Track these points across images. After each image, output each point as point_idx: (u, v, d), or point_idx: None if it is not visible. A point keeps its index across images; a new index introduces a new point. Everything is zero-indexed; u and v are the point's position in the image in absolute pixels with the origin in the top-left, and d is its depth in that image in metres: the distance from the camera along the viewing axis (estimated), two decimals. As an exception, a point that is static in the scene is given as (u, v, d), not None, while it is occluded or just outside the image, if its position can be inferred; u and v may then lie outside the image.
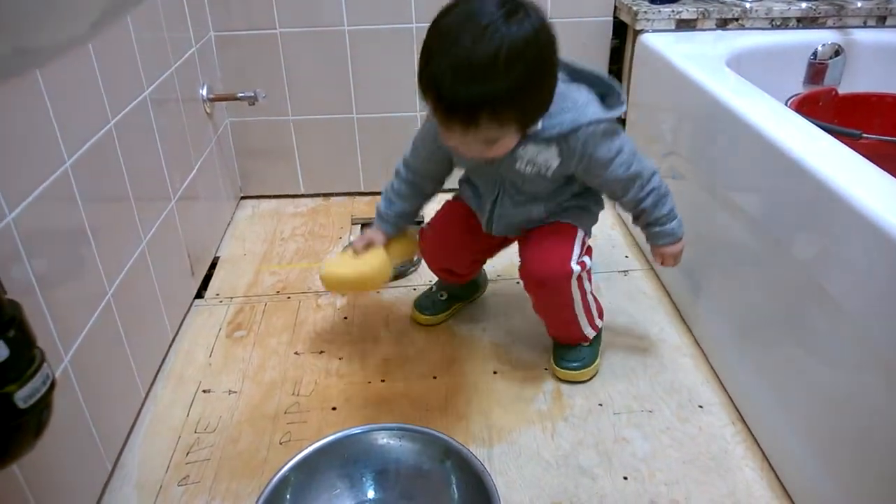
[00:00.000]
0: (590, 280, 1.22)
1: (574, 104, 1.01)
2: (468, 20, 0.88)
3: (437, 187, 1.28)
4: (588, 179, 1.13)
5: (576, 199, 1.20)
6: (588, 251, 1.21)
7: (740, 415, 1.19)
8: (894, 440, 0.82)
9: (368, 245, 1.25)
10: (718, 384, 1.26)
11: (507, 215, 1.20)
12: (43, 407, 0.49)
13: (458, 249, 1.32)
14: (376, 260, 1.25)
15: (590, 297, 1.23)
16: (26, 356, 0.47)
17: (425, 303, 1.45)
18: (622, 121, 1.11)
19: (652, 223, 1.17)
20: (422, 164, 1.23)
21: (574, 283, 1.17)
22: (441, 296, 1.44)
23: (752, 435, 1.15)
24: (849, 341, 0.90)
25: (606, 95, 1.08)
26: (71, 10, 0.44)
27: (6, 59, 0.42)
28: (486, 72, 0.87)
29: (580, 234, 1.19)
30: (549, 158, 1.06)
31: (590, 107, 1.02)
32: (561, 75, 1.00)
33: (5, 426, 0.47)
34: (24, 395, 0.46)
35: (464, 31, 0.87)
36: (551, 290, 1.19)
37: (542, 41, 0.91)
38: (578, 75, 1.08)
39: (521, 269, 1.22)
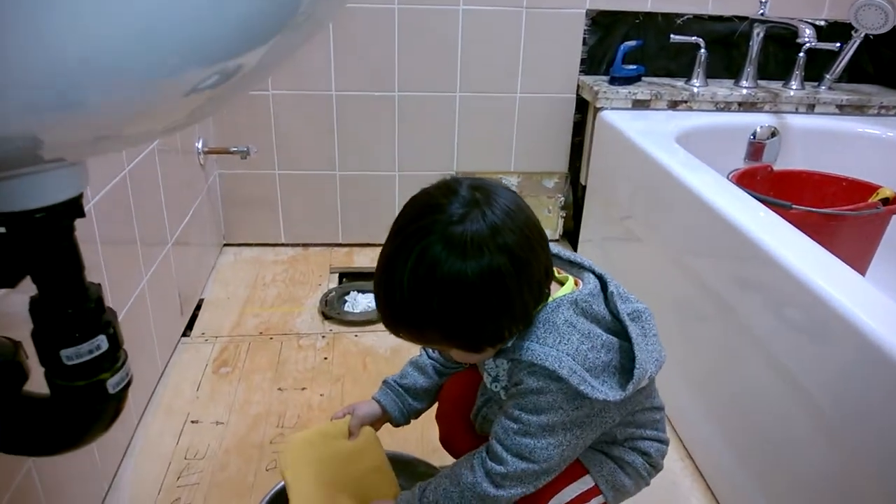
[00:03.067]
0: None
1: (555, 342, 0.78)
2: (401, 245, 0.75)
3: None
4: None
5: (606, 445, 0.93)
6: None
7: (688, 451, 1.32)
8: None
9: (360, 424, 1.02)
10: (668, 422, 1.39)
11: (490, 421, 0.95)
12: (123, 396, 0.59)
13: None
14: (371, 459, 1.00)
15: None
16: (118, 352, 0.58)
17: None
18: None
19: (424, 492, 0.88)
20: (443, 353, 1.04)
21: None
22: None
23: (698, 469, 1.28)
24: (784, 393, 1.04)
25: (624, 371, 0.82)
26: (158, 117, 0.48)
27: (87, 143, 0.48)
28: (398, 305, 0.76)
29: (587, 481, 0.90)
30: (501, 374, 0.86)
31: (565, 358, 0.77)
32: (588, 307, 0.81)
33: (95, 408, 0.58)
34: (114, 383, 0.57)
35: (388, 257, 0.76)
36: None
37: (477, 284, 0.72)
38: (616, 329, 0.83)
39: None
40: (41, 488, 0.92)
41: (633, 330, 0.82)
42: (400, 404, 1.03)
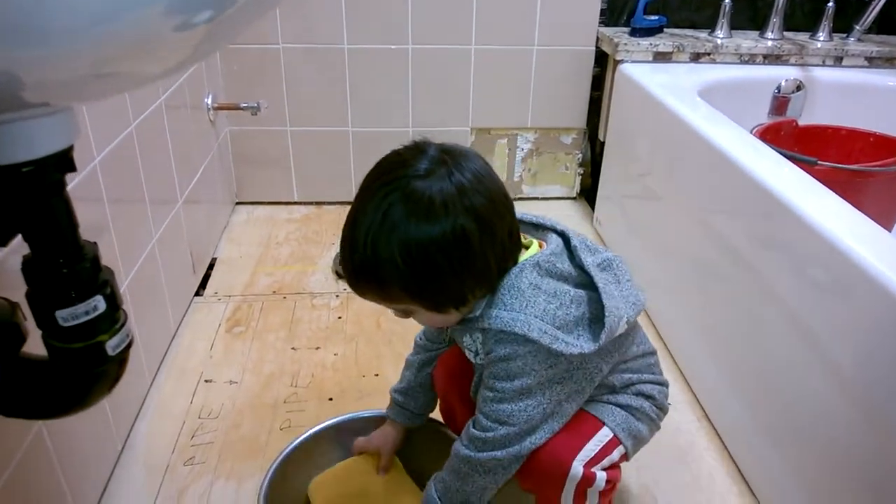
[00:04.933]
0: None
1: (522, 307, 0.77)
2: (368, 196, 0.74)
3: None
4: None
5: (610, 394, 0.93)
6: (613, 468, 0.90)
7: (704, 412, 1.30)
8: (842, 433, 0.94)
9: (377, 452, 1.06)
10: (685, 383, 1.37)
11: None
12: (123, 358, 0.58)
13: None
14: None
15: None
16: (116, 313, 0.56)
17: None
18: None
19: (437, 473, 0.91)
20: (430, 330, 1.05)
21: (569, 491, 0.87)
22: None
23: (715, 429, 1.26)
24: (806, 354, 1.01)
25: (599, 321, 0.81)
26: (151, 54, 0.46)
27: (73, 83, 0.44)
28: (364, 263, 0.75)
29: (606, 433, 0.90)
30: (479, 348, 0.85)
31: (533, 320, 0.77)
32: (552, 267, 0.81)
33: (94, 371, 0.56)
34: (113, 345, 0.55)
35: (359, 209, 0.75)
36: (538, 485, 0.91)
37: (441, 243, 0.72)
38: (586, 282, 0.83)
39: None
40: (53, 449, 0.91)
41: (602, 279, 0.83)
42: (411, 416, 1.06)
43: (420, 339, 1.06)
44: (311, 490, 1.04)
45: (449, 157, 0.75)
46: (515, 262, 0.80)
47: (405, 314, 0.82)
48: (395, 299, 0.78)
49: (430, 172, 0.73)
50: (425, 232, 0.72)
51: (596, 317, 0.82)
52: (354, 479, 1.05)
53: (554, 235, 0.86)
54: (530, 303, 0.78)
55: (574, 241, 0.85)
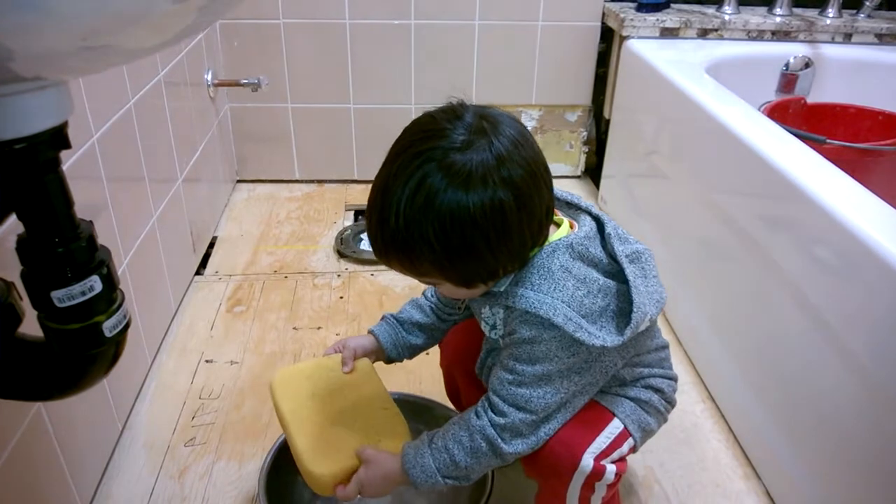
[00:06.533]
0: (604, 499, 0.87)
1: (550, 289, 0.75)
2: (400, 170, 0.71)
3: (452, 323, 1.03)
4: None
5: (619, 387, 0.90)
6: (621, 460, 0.87)
7: (710, 393, 1.29)
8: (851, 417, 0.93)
9: (355, 357, 1.00)
10: (690, 365, 1.36)
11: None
12: (121, 339, 0.56)
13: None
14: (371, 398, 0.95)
15: None
16: (113, 293, 0.55)
17: None
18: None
19: (433, 439, 0.84)
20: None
21: (577, 484, 0.84)
22: None
23: (720, 411, 1.25)
24: (814, 337, 0.99)
25: (623, 314, 0.79)
26: (148, 26, 0.44)
27: (68, 55, 0.43)
28: (394, 232, 0.72)
29: (617, 425, 0.87)
30: (498, 322, 0.84)
31: (559, 305, 0.74)
32: (585, 251, 0.79)
33: (90, 352, 0.55)
34: (110, 325, 0.54)
35: (392, 179, 0.71)
36: (544, 475, 0.88)
37: (478, 217, 0.69)
38: (614, 271, 0.81)
39: None
40: (52, 429, 0.90)
41: (631, 271, 0.80)
42: (393, 336, 1.01)
43: (432, 296, 1.01)
44: (274, 384, 0.95)
45: (487, 123, 0.71)
46: (546, 238, 0.78)
47: (430, 285, 0.81)
48: (424, 273, 0.76)
49: (468, 144, 0.69)
50: (462, 207, 0.68)
51: (621, 310, 0.79)
52: (322, 375, 0.96)
53: (588, 218, 0.84)
54: (559, 286, 0.75)
55: (608, 228, 0.82)
